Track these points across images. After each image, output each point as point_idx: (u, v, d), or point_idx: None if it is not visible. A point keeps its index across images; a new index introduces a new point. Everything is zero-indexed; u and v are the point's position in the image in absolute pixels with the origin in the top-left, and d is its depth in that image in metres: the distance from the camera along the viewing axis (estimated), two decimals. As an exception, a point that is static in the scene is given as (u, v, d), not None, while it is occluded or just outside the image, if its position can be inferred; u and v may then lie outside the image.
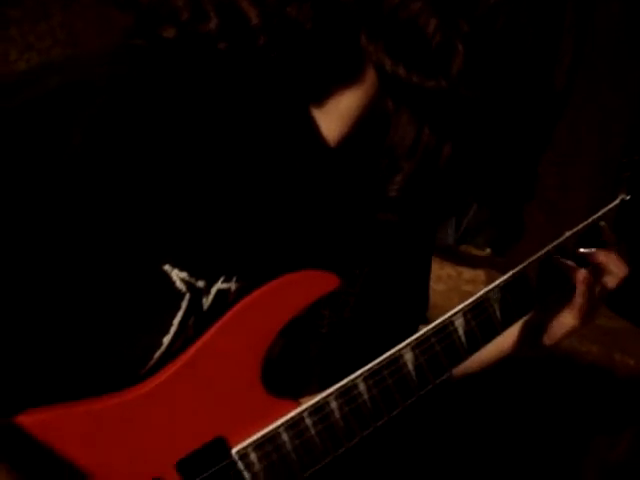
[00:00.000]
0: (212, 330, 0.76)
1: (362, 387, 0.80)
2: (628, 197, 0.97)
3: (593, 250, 0.91)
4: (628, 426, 1.58)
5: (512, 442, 1.62)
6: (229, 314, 0.76)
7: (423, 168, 0.76)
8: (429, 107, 0.73)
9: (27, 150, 0.62)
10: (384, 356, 0.81)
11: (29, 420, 0.70)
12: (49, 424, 0.71)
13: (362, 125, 0.78)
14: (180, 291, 0.71)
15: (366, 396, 0.80)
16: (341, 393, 0.79)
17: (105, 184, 0.64)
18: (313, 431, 0.79)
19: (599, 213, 0.94)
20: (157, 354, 0.73)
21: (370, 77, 0.73)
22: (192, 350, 0.76)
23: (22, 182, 0.63)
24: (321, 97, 0.75)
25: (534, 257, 0.88)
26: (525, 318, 0.95)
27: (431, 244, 1.08)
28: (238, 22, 0.66)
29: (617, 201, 0.97)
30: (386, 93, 0.74)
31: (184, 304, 0.72)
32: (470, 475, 1.55)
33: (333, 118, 0.77)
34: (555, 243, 0.90)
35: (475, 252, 1.80)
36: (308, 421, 0.79)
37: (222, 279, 0.74)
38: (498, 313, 0.85)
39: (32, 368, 0.70)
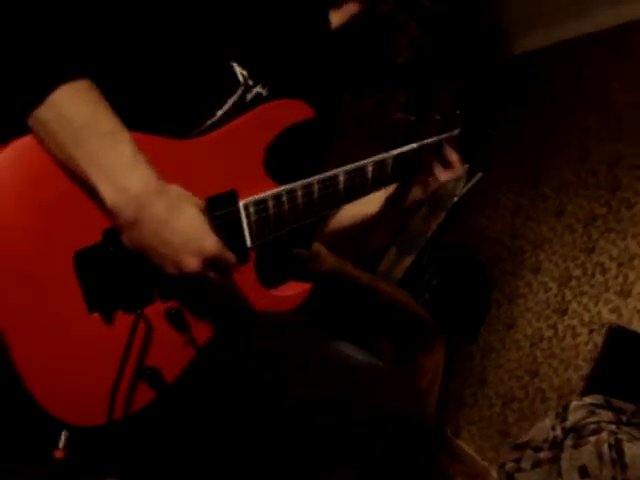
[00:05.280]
0: (243, 117, 1.09)
1: (315, 187, 1.17)
2: (458, 131, 1.40)
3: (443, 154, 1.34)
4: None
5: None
6: (252, 111, 1.11)
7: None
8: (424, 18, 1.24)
9: None
10: (329, 173, 1.19)
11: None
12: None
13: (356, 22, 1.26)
14: (239, 82, 1.08)
15: (316, 195, 1.17)
16: (303, 187, 1.15)
17: None
18: (286, 206, 1.14)
19: (443, 135, 1.36)
20: (209, 122, 1.06)
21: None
22: (228, 127, 1.08)
23: None
24: (338, 2, 1.23)
25: (399, 150, 1.29)
26: (386, 192, 1.39)
27: None
28: None
29: (455, 132, 1.39)
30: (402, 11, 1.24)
31: (239, 91, 1.08)
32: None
33: (336, 14, 1.25)
34: (415, 145, 1.31)
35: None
36: (284, 198, 1.13)
37: (261, 85, 1.11)
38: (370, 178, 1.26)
39: None
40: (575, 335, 3.02)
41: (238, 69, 1.07)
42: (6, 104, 0.89)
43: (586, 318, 2.99)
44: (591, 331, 2.92)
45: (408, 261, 3.80)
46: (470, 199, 3.88)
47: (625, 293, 2.83)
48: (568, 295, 3.14)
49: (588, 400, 1.96)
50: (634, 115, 3.04)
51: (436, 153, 1.33)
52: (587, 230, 3.15)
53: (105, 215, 0.95)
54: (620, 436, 1.67)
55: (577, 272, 3.12)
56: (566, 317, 3.10)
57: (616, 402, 1.94)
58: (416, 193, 1.36)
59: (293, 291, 1.21)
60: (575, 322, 3.04)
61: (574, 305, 3.09)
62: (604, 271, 2.97)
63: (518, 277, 3.50)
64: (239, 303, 1.13)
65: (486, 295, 3.73)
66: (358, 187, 1.24)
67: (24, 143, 0.92)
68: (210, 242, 0.95)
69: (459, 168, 1.37)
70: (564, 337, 3.07)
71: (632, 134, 3.03)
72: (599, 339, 2.85)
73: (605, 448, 1.64)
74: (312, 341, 1.10)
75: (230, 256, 0.99)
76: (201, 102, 1.06)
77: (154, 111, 1.04)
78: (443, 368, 2.25)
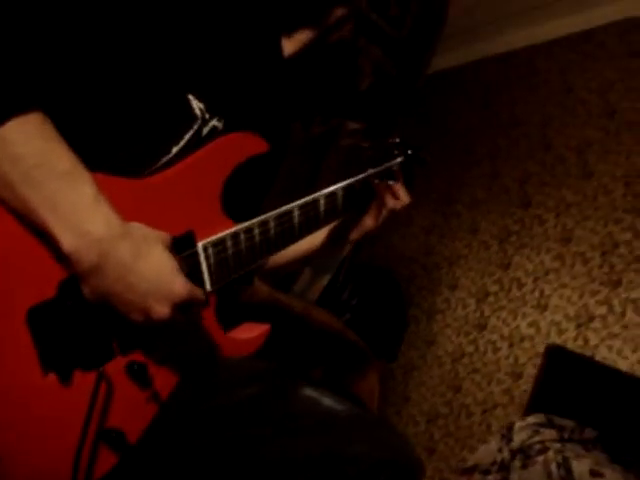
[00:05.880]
0: (198, 153, 1.02)
1: (272, 224, 1.11)
2: (401, 159, 1.40)
3: (390, 183, 1.34)
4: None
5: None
6: (207, 147, 1.03)
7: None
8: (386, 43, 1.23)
9: None
10: (283, 208, 1.14)
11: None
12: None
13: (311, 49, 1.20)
14: (196, 115, 1.00)
15: (273, 231, 1.12)
16: (260, 224, 1.09)
17: None
18: (243, 245, 1.08)
19: (390, 163, 1.36)
20: (165, 159, 0.98)
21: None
22: (182, 164, 1.00)
23: None
24: (290, 30, 1.17)
25: (346, 182, 1.27)
26: (334, 224, 1.35)
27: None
28: None
29: (399, 159, 1.39)
30: (362, 34, 1.22)
31: (195, 126, 1.01)
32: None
33: (289, 42, 1.18)
34: (361, 176, 1.30)
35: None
36: (242, 237, 1.07)
37: (217, 118, 1.04)
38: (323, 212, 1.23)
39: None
40: (495, 350, 3.09)
41: (195, 102, 1.00)
42: None
43: (505, 332, 3.07)
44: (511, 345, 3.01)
45: (324, 281, 3.78)
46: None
47: (542, 307, 2.91)
48: (487, 310, 3.21)
49: (531, 420, 1.99)
50: (542, 133, 3.17)
51: (385, 182, 1.32)
52: (502, 246, 3.24)
53: (59, 265, 0.85)
54: (566, 454, 1.70)
55: (494, 288, 3.20)
56: (486, 332, 3.17)
57: (557, 419, 1.99)
58: (367, 224, 1.33)
59: (252, 333, 1.14)
60: (495, 337, 3.11)
61: (493, 320, 3.16)
62: (520, 286, 3.06)
63: (436, 294, 3.55)
64: (202, 350, 1.05)
65: (404, 312, 3.76)
66: (312, 221, 1.20)
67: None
68: (179, 285, 0.87)
69: (405, 195, 1.36)
70: (485, 352, 3.13)
71: (540, 152, 3.15)
72: (520, 353, 2.93)
73: (553, 467, 1.66)
74: (287, 392, 1.04)
75: (199, 293, 0.93)
76: (157, 138, 0.98)
77: (107, 149, 0.94)
78: (378, 393, 2.23)
